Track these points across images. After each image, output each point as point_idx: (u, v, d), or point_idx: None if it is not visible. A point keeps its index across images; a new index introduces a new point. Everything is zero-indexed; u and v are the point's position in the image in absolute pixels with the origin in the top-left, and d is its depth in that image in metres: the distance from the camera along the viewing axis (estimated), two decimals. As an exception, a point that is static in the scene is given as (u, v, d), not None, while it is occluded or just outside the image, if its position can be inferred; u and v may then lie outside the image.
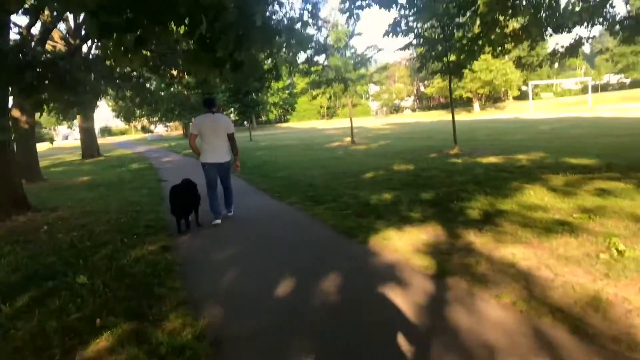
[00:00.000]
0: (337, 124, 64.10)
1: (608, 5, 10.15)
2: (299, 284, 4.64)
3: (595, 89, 65.52)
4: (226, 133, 7.64)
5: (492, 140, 19.77)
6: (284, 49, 7.85)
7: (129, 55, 4.30)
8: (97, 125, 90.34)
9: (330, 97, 25.95)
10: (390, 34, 11.54)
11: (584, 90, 71.28)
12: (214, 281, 4.91)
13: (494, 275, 4.48)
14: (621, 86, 77.79)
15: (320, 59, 23.68)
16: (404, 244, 5.63)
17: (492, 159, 12.81)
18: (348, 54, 22.85)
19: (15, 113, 14.16)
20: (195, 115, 55.62)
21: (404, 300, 4.06)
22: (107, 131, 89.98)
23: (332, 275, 4.76)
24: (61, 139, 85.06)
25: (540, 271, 4.51)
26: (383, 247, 5.60)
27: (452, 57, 15.46)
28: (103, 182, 13.89)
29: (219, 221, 7.52)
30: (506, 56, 15.17)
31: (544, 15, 10.27)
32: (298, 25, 8.37)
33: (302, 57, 21.84)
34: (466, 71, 15.79)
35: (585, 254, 4.81)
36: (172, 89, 44.57)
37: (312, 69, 23.76)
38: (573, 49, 11.94)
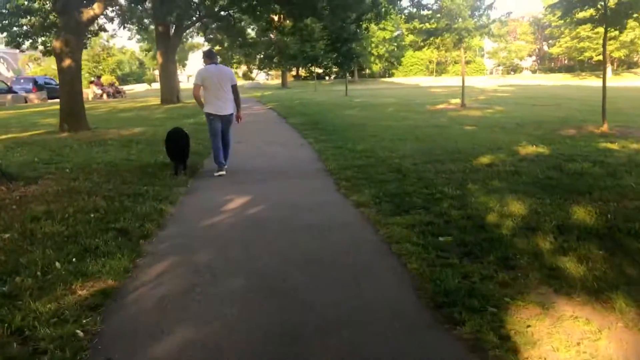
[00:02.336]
0: (445, 81, 58.54)
1: None
2: None
3: None
4: (230, 85, 7.55)
5: (647, 116, 15.22)
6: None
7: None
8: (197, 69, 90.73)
9: (438, 47, 21.96)
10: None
11: None
12: None
13: None
14: None
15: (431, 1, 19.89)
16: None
17: (666, 147, 8.90)
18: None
19: (58, 45, 11.99)
20: (290, 64, 53.45)
21: None
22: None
23: None
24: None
25: None
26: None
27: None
28: (151, 137, 11.42)
29: (223, 172, 7.51)
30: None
31: None
32: None
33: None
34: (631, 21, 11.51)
35: None
36: (270, 36, 42.24)
37: (424, 13, 20.07)
38: None
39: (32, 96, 32.16)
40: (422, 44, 21.81)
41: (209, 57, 7.60)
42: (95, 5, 11.89)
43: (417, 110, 18.97)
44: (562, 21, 15.36)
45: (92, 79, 41.48)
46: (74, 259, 3.88)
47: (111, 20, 25.02)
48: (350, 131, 12.47)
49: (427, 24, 20.23)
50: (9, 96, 30.88)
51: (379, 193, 6.00)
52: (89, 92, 36.78)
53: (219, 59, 7.55)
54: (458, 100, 21.01)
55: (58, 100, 32.59)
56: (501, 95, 29.59)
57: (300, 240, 4.56)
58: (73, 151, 9.51)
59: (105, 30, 31.17)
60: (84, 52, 48.91)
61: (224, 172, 7.49)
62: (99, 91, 35.94)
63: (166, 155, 8.18)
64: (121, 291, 3.47)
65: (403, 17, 22.75)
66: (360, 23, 22.73)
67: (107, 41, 48.99)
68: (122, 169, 7.54)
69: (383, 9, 21.10)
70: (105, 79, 45.80)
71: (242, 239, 4.57)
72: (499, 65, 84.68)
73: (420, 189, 6.18)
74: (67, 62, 11.70)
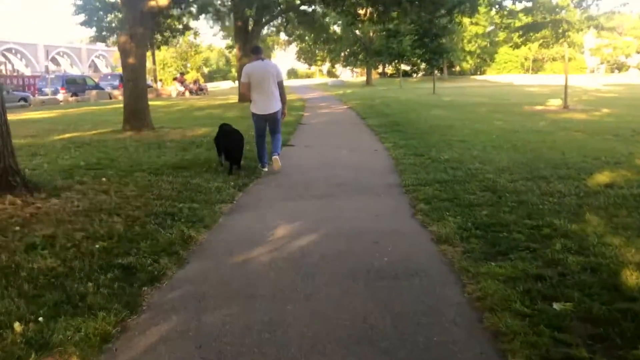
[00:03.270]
0: (542, 79, 54.58)
1: None
2: None
3: None
4: (277, 81, 7.32)
5: None
6: None
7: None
8: (284, 66, 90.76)
9: (537, 41, 19.84)
10: None
11: None
12: None
13: None
14: None
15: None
16: None
17: None
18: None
19: (123, 40, 11.40)
20: (374, 60, 51.78)
21: None
22: (293, 73, 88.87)
23: None
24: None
25: None
26: None
27: None
28: (214, 139, 10.54)
29: (265, 169, 7.49)
30: None
31: None
32: None
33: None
34: None
35: None
36: (356, 32, 40.96)
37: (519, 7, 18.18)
38: None
39: (115, 92, 33.37)
40: (519, 40, 19.82)
41: (255, 53, 7.58)
42: (160, -3, 11.22)
43: (512, 112, 17.08)
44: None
45: (176, 75, 42.18)
46: (41, 318, 2.87)
47: (193, 16, 24.82)
48: (434, 135, 11.03)
49: (517, 21, 18.42)
50: (94, 92, 32.62)
51: (467, 223, 4.65)
52: (172, 89, 37.44)
53: (262, 56, 7.55)
54: (559, 101, 18.84)
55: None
56: (607, 95, 26.71)
57: (353, 294, 3.32)
58: (126, 154, 8.75)
59: (190, 28, 31.29)
60: (172, 49, 50.05)
61: (266, 169, 7.49)
62: (182, 88, 36.34)
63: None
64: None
65: (493, 11, 21.08)
66: (451, 16, 21.03)
67: (195, 38, 49.80)
68: (165, 179, 6.57)
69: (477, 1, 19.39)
70: (190, 76, 46.56)
71: (274, 291, 3.37)
72: (601, 63, 78.48)
73: (522, 218, 4.76)
74: (130, 58, 11.07)
